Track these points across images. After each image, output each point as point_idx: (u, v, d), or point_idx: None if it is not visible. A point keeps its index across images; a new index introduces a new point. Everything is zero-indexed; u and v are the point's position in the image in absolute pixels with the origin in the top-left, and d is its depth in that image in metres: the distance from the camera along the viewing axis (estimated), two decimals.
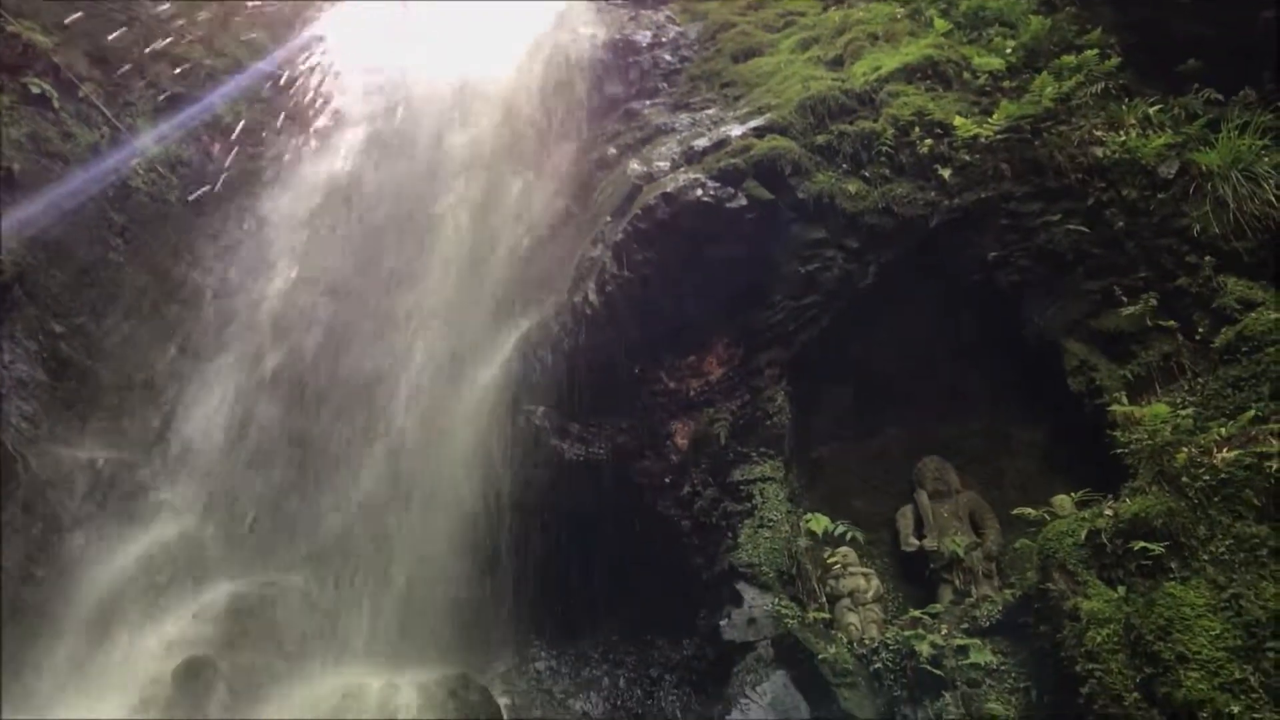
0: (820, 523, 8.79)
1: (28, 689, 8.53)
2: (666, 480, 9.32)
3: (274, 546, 10.49)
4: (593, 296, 9.45)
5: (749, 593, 8.27)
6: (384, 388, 11.16)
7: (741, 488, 8.97)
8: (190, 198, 12.46)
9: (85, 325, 10.83)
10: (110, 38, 12.43)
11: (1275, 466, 5.91)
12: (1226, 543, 5.92)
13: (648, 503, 9.37)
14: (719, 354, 9.49)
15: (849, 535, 8.92)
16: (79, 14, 12.17)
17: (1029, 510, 7.59)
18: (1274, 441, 6.10)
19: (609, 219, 9.89)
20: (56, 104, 11.41)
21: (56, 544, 9.58)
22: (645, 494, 9.40)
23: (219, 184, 12.72)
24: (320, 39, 14.46)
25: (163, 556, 10.05)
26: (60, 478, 9.87)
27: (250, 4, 14.37)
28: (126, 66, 12.56)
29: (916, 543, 8.91)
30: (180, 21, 13.44)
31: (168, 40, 13.16)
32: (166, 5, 13.28)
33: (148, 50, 12.92)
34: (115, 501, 10.24)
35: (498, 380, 10.21)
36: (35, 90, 11.22)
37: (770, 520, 8.70)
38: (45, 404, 10.12)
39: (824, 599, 8.48)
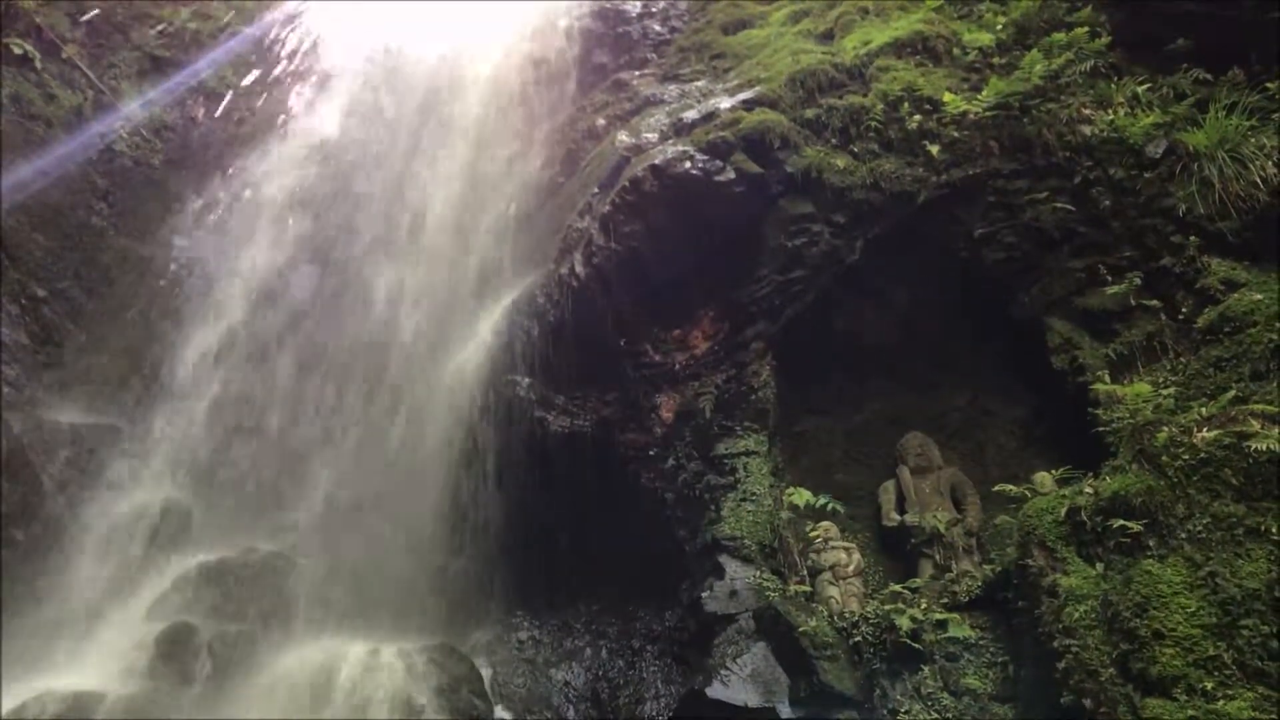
0: (803, 496, 8.82)
1: (7, 655, 8.51)
2: (651, 453, 9.34)
3: (256, 515, 10.49)
4: (579, 268, 9.43)
5: (731, 565, 8.32)
6: (368, 358, 11.13)
7: (725, 461, 8.99)
8: (174, 162, 12.35)
9: (68, 290, 10.76)
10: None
11: (1254, 447, 5.95)
12: (1204, 521, 5.98)
13: (632, 475, 9.39)
14: (705, 327, 9.49)
15: (831, 509, 8.97)
16: None
17: (1010, 487, 7.66)
18: (1254, 422, 6.15)
19: (596, 190, 9.85)
20: (39, 65, 11.28)
21: (37, 508, 9.54)
22: (629, 466, 9.42)
23: (203, 149, 12.60)
24: (308, 4, 14.31)
25: (144, 523, 10.03)
26: (42, 442, 9.82)
27: None
28: (109, 28, 12.42)
29: (898, 518, 8.97)
30: None
31: (152, 3, 13.01)
32: None
33: (131, 13, 12.77)
34: (96, 467, 10.20)
35: (483, 351, 10.19)
36: (17, 51, 11.09)
37: (753, 494, 8.74)
38: (28, 368, 10.07)
39: (805, 572, 8.54)
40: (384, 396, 10.83)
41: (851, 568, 8.56)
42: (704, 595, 8.21)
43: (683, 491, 9.12)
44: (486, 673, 9.23)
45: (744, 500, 8.70)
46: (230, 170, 12.74)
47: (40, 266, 10.53)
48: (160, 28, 12.93)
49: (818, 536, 8.70)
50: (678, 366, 9.46)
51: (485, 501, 9.72)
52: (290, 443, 10.89)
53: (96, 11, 12.42)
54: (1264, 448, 5.91)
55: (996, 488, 8.02)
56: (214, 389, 11.15)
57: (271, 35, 13.89)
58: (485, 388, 9.94)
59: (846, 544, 8.78)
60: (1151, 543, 6.15)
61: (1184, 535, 6.04)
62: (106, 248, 11.36)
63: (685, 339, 9.50)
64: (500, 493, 9.72)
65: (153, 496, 10.30)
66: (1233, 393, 6.54)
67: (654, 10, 11.98)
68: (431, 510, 9.88)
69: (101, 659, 8.84)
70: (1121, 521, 6.26)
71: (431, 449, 10.09)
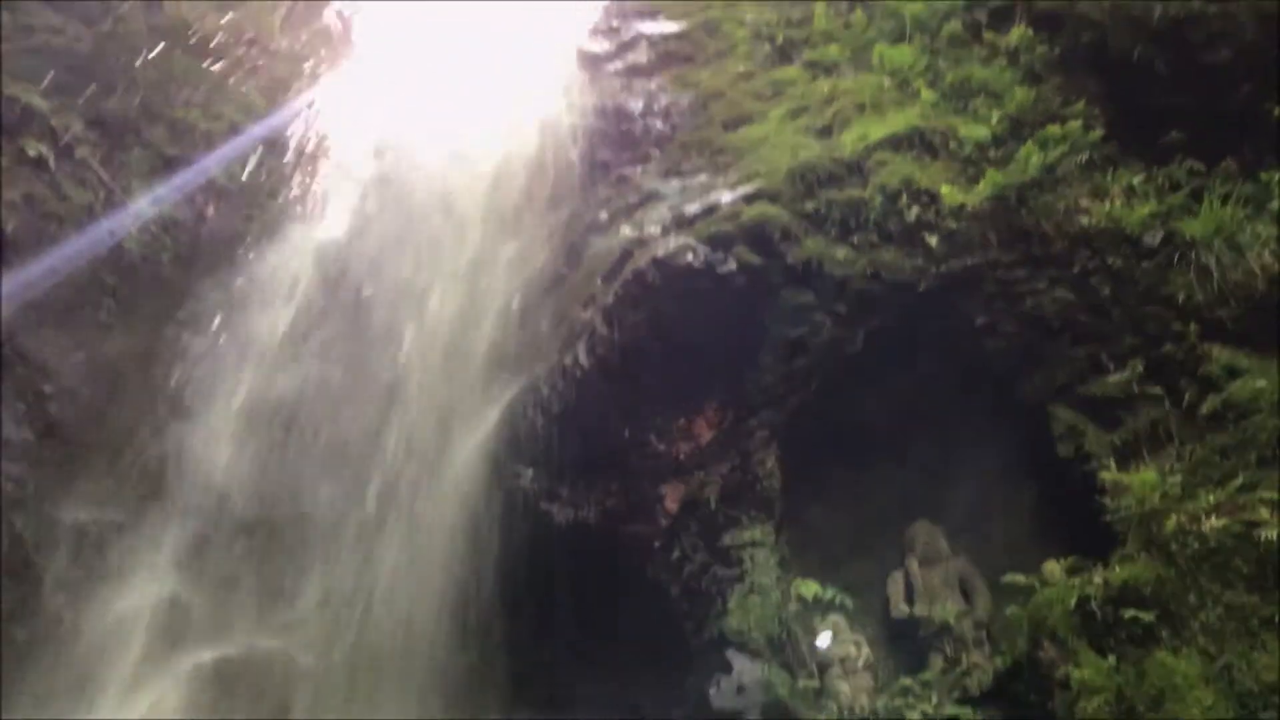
0: (811, 588, 8.75)
1: None
2: (656, 544, 9.27)
3: (257, 610, 10.37)
4: (583, 358, 9.47)
5: (738, 660, 8.21)
6: (371, 450, 11.11)
7: (732, 552, 8.93)
8: (182, 259, 12.50)
9: (74, 386, 10.79)
10: (108, 102, 12.56)
11: (1264, 535, 5.92)
12: (1217, 612, 5.91)
13: (637, 567, 9.31)
14: (709, 417, 9.49)
15: (839, 601, 8.88)
16: (78, 77, 12.30)
17: (1019, 577, 7.58)
18: (1262, 510, 6.13)
19: (600, 282, 9.93)
20: (52, 165, 11.48)
21: (37, 606, 9.46)
22: (634, 558, 9.34)
23: (210, 246, 12.76)
24: (315, 103, 14.60)
25: (145, 621, 9.93)
26: (43, 539, 9.78)
27: (247, 70, 14.54)
28: (121, 128, 12.68)
29: (907, 609, 8.87)
30: (178, 87, 13.59)
31: (164, 104, 13.30)
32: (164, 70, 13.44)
33: (143, 114, 13.04)
34: (99, 563, 10.13)
35: (486, 442, 10.17)
36: (32, 152, 11.29)
37: (760, 586, 8.66)
38: (32, 465, 10.05)
39: (814, 666, 8.41)
40: (386, 489, 10.78)
41: (861, 661, 8.44)
42: (711, 691, 8.09)
43: (688, 584, 9.04)
44: None
45: (751, 593, 8.62)
46: (237, 265, 12.88)
47: (47, 363, 10.58)
48: (175, 132, 13.19)
49: (826, 630, 8.59)
50: (682, 456, 9.43)
51: (488, 596, 9.61)
52: (292, 537, 10.82)
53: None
54: (1273, 536, 5.88)
55: (1005, 578, 7.93)
56: (217, 483, 11.11)
57: (280, 134, 14.14)
58: (488, 480, 9.90)
59: (855, 637, 8.68)
60: (1164, 634, 6.08)
61: (1197, 626, 5.97)
62: (113, 344, 11.42)
63: (689, 428, 9.49)
64: (503, 586, 9.61)
65: (154, 593, 10.19)
66: (1240, 480, 6.52)
67: (656, 108, 12.19)
68: (433, 605, 9.76)
69: None
70: (1133, 612, 6.20)
71: (433, 542, 10.01)
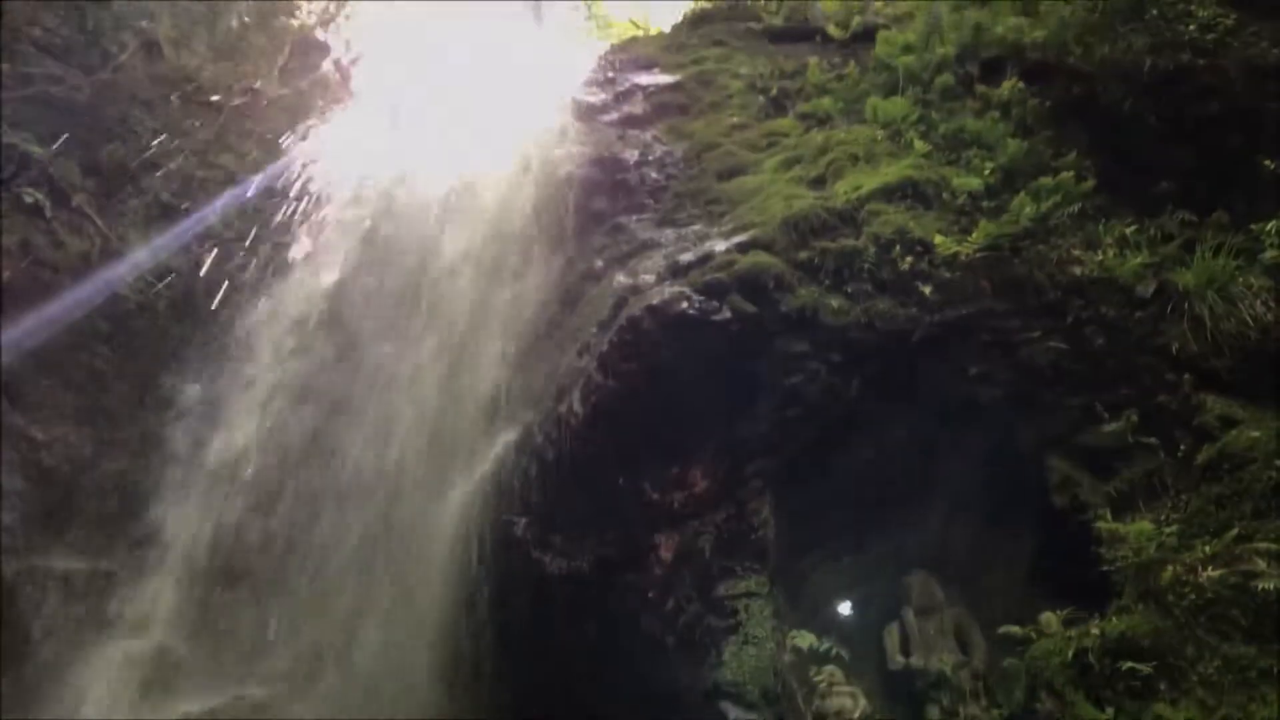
0: (806, 639, 8.69)
1: None
2: (650, 595, 9.19)
3: (246, 661, 10.28)
4: (577, 406, 9.45)
5: (733, 712, 8.13)
6: (365, 497, 11.07)
7: (726, 603, 8.86)
8: (177, 306, 12.52)
9: (67, 434, 10.76)
10: (105, 150, 12.64)
11: (1261, 586, 5.89)
12: (1215, 664, 5.87)
13: (631, 618, 9.23)
14: (704, 465, 9.45)
15: (834, 652, 8.81)
16: (77, 126, 12.39)
17: (1016, 628, 7.53)
18: (1259, 560, 6.11)
19: (595, 330, 9.95)
20: (49, 213, 11.53)
21: (26, 656, 9.35)
22: (628, 608, 9.26)
23: (207, 294, 12.79)
24: (312, 153, 14.71)
25: (135, 671, 9.82)
26: (34, 589, 9.70)
27: (245, 119, 14.65)
28: (119, 176, 12.76)
29: (903, 660, 8.80)
30: (176, 136, 13.69)
31: (161, 153, 13.38)
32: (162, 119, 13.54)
33: (141, 162, 13.12)
34: (88, 613, 10.04)
35: (480, 490, 10.14)
36: (29, 200, 11.36)
37: (755, 637, 8.59)
38: (24, 514, 10.00)
39: (810, 718, 8.33)
40: (378, 537, 10.72)
41: (857, 713, 8.36)
42: None
43: (682, 635, 8.95)
44: None
45: (746, 644, 8.54)
46: (232, 313, 12.90)
47: (41, 411, 10.57)
48: (172, 181, 13.26)
49: (822, 681, 8.52)
50: (677, 505, 9.39)
51: (481, 646, 9.53)
52: (283, 586, 10.75)
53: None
54: (1270, 587, 5.86)
55: (1002, 629, 7.88)
56: (208, 532, 11.05)
57: (277, 182, 14.22)
58: (482, 529, 9.85)
59: (851, 689, 8.60)
60: (1162, 686, 6.04)
61: (1195, 678, 5.93)
62: (107, 391, 11.42)
63: (684, 477, 9.45)
64: (496, 637, 9.54)
65: (144, 643, 10.11)
66: (1236, 531, 6.50)
67: (651, 158, 12.29)
68: (425, 656, 9.69)
69: None
70: (1131, 664, 6.16)
71: (426, 592, 9.95)
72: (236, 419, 11.98)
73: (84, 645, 9.85)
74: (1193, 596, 6.18)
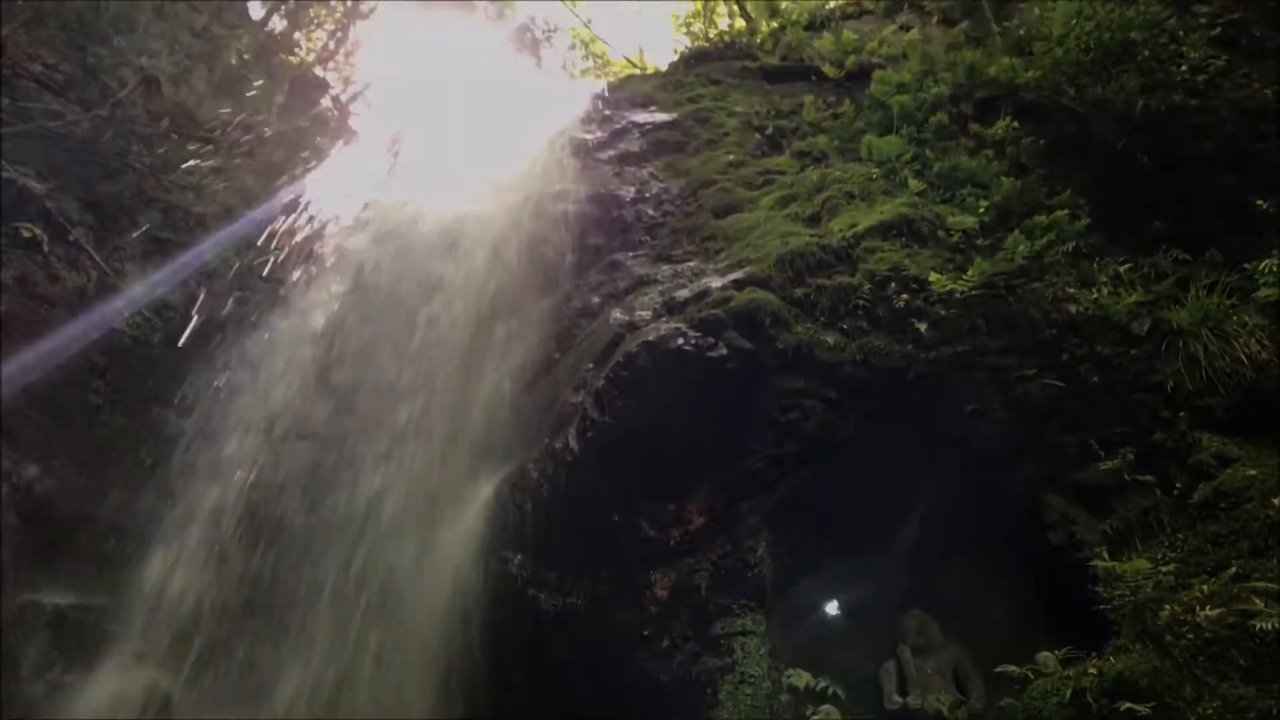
0: (802, 678, 8.62)
1: None
2: (645, 633, 9.13)
3: (236, 698, 10.17)
4: (573, 443, 9.44)
5: None
6: (358, 533, 11.00)
7: (722, 641, 8.80)
8: (173, 341, 12.51)
9: (60, 468, 10.72)
10: (103, 185, 12.68)
11: (1260, 626, 5.87)
12: (1214, 704, 5.84)
13: (626, 656, 9.16)
14: (700, 502, 9.42)
15: (831, 691, 8.74)
16: (75, 161, 12.44)
17: (1013, 668, 7.49)
18: (1256, 600, 6.09)
19: (591, 366, 9.95)
20: (46, 248, 11.56)
21: (14, 694, 9.25)
22: (623, 647, 9.20)
23: (202, 328, 12.79)
24: (311, 190, 14.77)
25: (124, 709, 9.72)
26: (23, 624, 9.61)
27: (243, 154, 14.73)
28: (117, 211, 12.79)
29: (901, 700, 8.74)
30: (174, 172, 13.75)
31: (159, 188, 13.43)
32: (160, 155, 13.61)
33: (139, 197, 13.16)
34: (78, 649, 9.95)
35: (475, 527, 10.07)
36: (26, 234, 11.38)
37: (751, 676, 8.52)
38: (15, 548, 9.93)
39: None
40: (372, 573, 10.65)
41: None
42: None
43: (678, 673, 8.88)
44: None
45: (742, 683, 8.47)
46: (228, 348, 12.90)
47: (34, 444, 10.51)
48: (169, 216, 13.31)
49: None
50: (673, 542, 9.35)
51: (474, 685, 9.43)
52: (273, 623, 10.65)
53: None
54: (1269, 627, 5.83)
55: (999, 668, 7.84)
56: (200, 568, 10.98)
57: (274, 218, 14.26)
58: (475, 565, 9.78)
59: None
60: None
61: (1194, 719, 5.88)
62: (101, 425, 11.38)
63: (680, 514, 9.42)
64: (489, 675, 9.45)
65: (134, 680, 10.01)
66: (1233, 570, 6.50)
67: (647, 195, 12.36)
68: (419, 689, 9.59)
69: None
70: (1129, 704, 6.12)
71: (419, 628, 9.86)
72: (230, 455, 11.94)
73: (73, 684, 9.75)
74: (1191, 636, 6.16)
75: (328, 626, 10.51)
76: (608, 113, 14.61)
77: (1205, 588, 6.47)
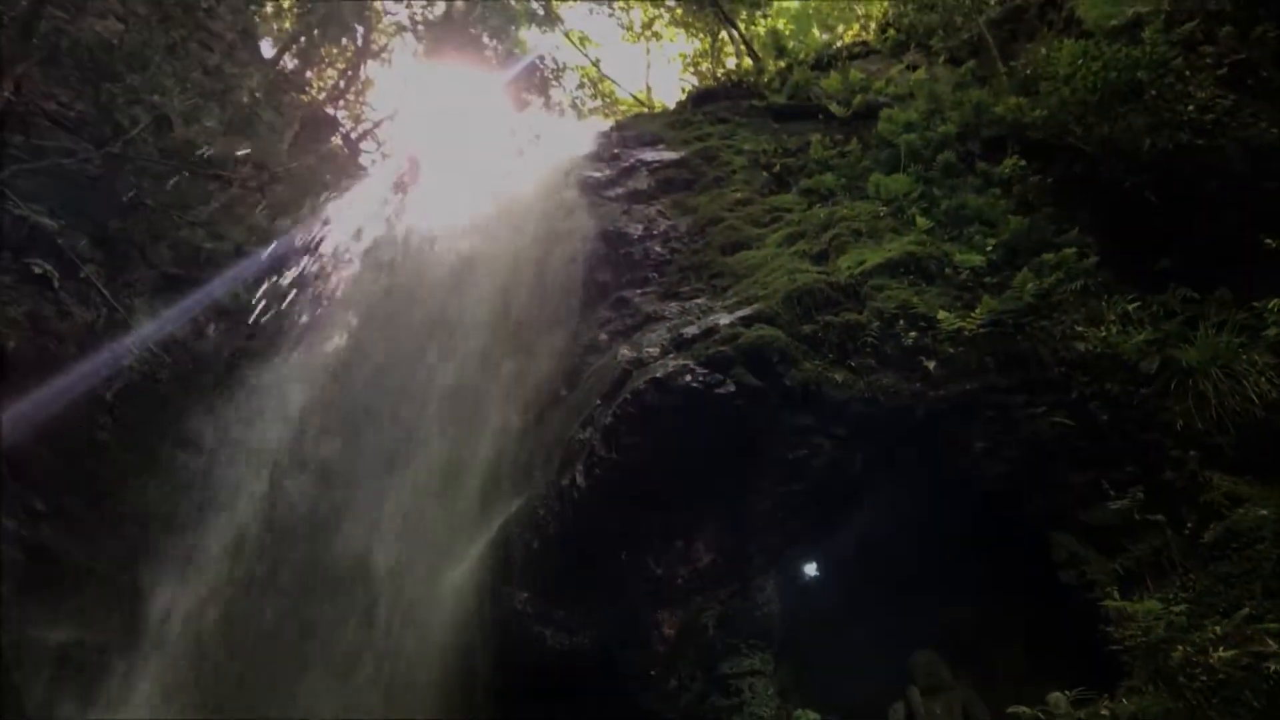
0: (810, 718, 8.54)
1: None
2: (652, 673, 9.06)
3: None
4: (581, 479, 9.41)
5: None
6: (367, 571, 10.98)
7: (730, 681, 8.73)
8: (181, 377, 12.54)
9: (67, 504, 10.71)
10: (114, 222, 12.76)
11: (1273, 668, 5.81)
12: None
13: (632, 696, 9.09)
14: (708, 540, 9.38)
15: None
16: (87, 198, 12.53)
17: (1024, 709, 7.40)
18: (1270, 641, 6.03)
19: (598, 402, 9.94)
20: (57, 284, 11.61)
21: None
22: (630, 686, 9.13)
23: (211, 364, 12.82)
24: (319, 226, 14.85)
25: None
26: (27, 662, 9.57)
27: (253, 192, 14.82)
28: (127, 247, 12.87)
29: None
30: (184, 209, 13.84)
31: (170, 226, 13.51)
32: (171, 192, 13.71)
33: (149, 234, 13.25)
34: (82, 687, 9.90)
35: (482, 564, 10.06)
36: (37, 271, 11.45)
37: (759, 716, 8.45)
38: (20, 584, 9.91)
39: None
40: (378, 611, 10.61)
41: None
42: None
43: (686, 713, 8.81)
44: None
45: None
46: (237, 385, 12.92)
47: (41, 481, 10.52)
48: (179, 253, 13.38)
49: None
50: (680, 580, 9.30)
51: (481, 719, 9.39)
52: (277, 662, 10.60)
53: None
54: None
55: (1010, 709, 7.75)
56: (205, 606, 10.95)
57: (284, 254, 14.33)
58: (482, 602, 9.75)
59: None
60: None
61: None
62: (109, 462, 11.39)
63: (688, 552, 9.38)
64: (496, 710, 9.39)
65: (140, 716, 9.96)
66: (1246, 611, 6.44)
67: (655, 232, 12.41)
68: None
69: None
70: None
71: (426, 664, 9.82)
72: (237, 492, 11.94)
73: (79, 719, 9.71)
74: (1204, 678, 6.09)
75: (334, 664, 10.47)
76: (616, 151, 14.71)
77: (1218, 629, 6.41)
